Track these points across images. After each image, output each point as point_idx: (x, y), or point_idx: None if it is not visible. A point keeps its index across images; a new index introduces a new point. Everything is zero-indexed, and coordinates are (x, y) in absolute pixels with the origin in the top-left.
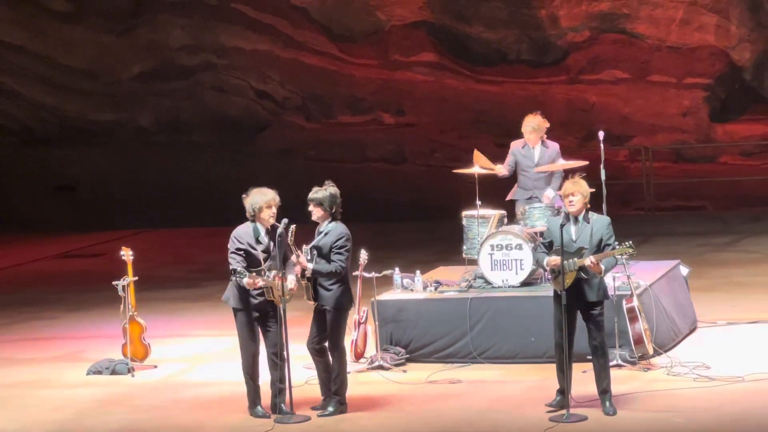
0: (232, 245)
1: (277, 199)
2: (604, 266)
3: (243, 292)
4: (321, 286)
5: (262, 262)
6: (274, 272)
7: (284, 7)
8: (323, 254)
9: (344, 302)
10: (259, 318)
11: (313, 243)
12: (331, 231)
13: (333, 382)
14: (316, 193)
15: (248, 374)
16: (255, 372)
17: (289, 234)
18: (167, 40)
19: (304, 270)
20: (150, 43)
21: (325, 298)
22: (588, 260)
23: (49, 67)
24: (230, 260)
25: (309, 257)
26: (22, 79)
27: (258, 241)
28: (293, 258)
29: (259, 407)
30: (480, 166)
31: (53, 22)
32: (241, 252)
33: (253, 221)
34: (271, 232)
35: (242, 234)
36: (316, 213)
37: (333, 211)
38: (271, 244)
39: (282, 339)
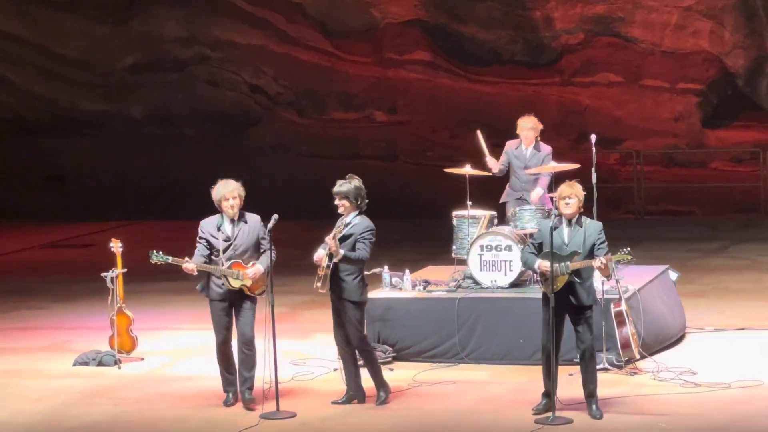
0: (198, 234)
1: (240, 190)
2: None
3: (210, 282)
4: (340, 278)
5: (222, 252)
6: (230, 262)
7: (279, 2)
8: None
9: (365, 295)
10: (230, 307)
11: (336, 234)
12: (358, 224)
13: (376, 375)
14: (341, 186)
15: (219, 362)
16: (227, 360)
17: (270, 224)
18: (161, 32)
19: (330, 256)
20: (144, 35)
21: (346, 290)
22: (599, 261)
23: (42, 55)
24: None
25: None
26: (15, 67)
27: (219, 230)
28: (328, 239)
29: (229, 394)
30: (477, 143)
31: (47, 11)
32: (203, 241)
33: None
34: (244, 223)
35: (205, 224)
36: (342, 206)
37: (359, 203)
38: (237, 233)
39: (252, 329)
